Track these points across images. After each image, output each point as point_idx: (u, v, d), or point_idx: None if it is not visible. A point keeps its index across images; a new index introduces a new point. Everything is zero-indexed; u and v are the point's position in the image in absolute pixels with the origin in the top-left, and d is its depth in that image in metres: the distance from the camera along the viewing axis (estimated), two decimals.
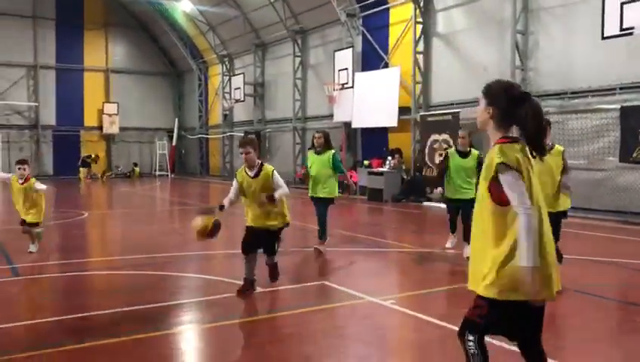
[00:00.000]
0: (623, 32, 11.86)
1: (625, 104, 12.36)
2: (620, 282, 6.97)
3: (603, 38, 12.18)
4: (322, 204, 8.35)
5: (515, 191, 2.63)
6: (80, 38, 31.85)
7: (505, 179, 2.65)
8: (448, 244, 8.58)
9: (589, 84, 13.26)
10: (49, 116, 31.07)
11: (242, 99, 27.12)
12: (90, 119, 32.29)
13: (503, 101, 2.81)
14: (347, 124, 20.77)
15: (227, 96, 29.15)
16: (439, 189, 7.96)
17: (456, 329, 2.86)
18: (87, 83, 32.23)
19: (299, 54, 24.02)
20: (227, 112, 29.56)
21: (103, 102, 32.33)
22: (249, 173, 5.86)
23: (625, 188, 12.52)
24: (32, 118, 30.76)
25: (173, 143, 34.10)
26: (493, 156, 2.72)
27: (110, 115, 32.22)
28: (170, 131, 34.35)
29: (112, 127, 32.32)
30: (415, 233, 11.80)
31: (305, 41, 23.86)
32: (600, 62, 12.95)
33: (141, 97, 33.56)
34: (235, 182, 5.96)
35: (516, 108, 2.77)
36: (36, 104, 30.58)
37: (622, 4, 11.71)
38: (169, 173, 32.99)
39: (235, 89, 27.73)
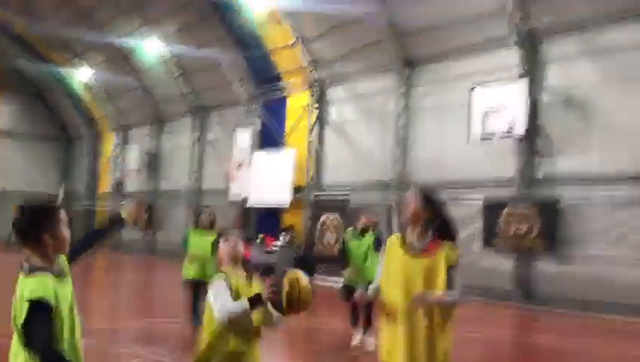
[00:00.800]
0: (487, 137, 14.00)
1: (487, 196, 14.36)
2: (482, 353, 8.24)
3: (469, 140, 14.25)
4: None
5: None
6: None
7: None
8: (356, 342, 7.81)
9: (458, 178, 15.20)
10: None
11: (136, 169, 27.23)
12: None
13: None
14: (243, 201, 21.64)
15: (120, 165, 29.08)
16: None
17: None
18: None
19: (198, 130, 24.86)
20: (119, 182, 29.38)
21: None
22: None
23: (487, 271, 14.30)
24: None
25: None
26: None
27: None
28: (55, 198, 33.28)
29: None
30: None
31: (205, 117, 24.81)
32: (467, 160, 14.98)
33: (26, 161, 32.46)
34: None
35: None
36: None
37: (485, 113, 13.90)
38: None
39: (130, 160, 27.80)
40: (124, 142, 29.50)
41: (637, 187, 12.16)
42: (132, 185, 28.68)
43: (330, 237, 17.96)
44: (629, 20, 12.49)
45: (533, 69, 13.89)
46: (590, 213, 12.88)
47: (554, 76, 13.69)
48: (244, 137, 22.00)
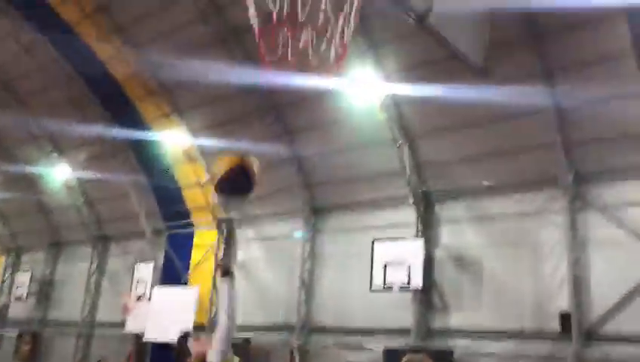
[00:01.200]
0: (386, 288, 14.82)
1: (387, 345, 14.89)
2: None
3: (371, 290, 15.00)
4: None
5: None
6: None
7: None
8: None
9: (359, 324, 15.72)
10: None
11: (25, 296, 25.59)
12: None
13: None
14: (138, 335, 20.80)
15: (5, 291, 27.22)
16: None
17: None
18: None
19: (97, 259, 24.12)
20: (1, 308, 27.32)
21: None
22: None
23: None
24: None
25: None
26: None
27: None
28: None
29: None
30: None
31: (105, 247, 24.22)
32: (369, 308, 15.62)
33: None
34: None
35: None
36: None
37: (385, 266, 14.82)
38: None
39: (18, 287, 26.16)
40: (15, 265, 27.86)
41: (521, 341, 13.22)
42: (17, 311, 26.74)
43: None
44: (510, 192, 14.21)
45: (428, 228, 15.21)
46: None
47: (446, 236, 15.04)
48: (146, 270, 21.61)
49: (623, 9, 11.06)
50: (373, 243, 15.37)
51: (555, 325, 12.77)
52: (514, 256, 13.93)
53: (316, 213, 17.76)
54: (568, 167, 13.27)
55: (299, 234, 16.42)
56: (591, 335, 12.49)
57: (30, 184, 25.21)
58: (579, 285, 12.75)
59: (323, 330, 16.43)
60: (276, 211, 18.50)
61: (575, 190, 13.24)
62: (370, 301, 15.54)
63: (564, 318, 12.67)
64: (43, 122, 21.91)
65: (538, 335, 13.11)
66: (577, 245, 12.99)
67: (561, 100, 12.76)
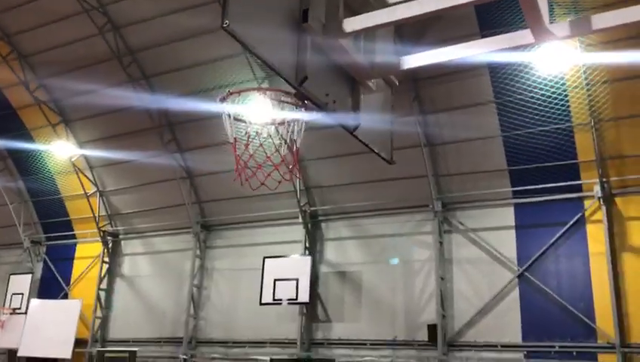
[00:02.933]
0: (275, 301, 15.80)
1: (274, 356, 15.86)
2: None
3: (260, 303, 15.90)
4: None
5: None
6: None
7: None
8: None
9: (247, 337, 16.55)
10: None
11: None
12: None
13: None
14: (13, 351, 20.01)
15: None
16: None
17: None
18: None
19: None
20: None
21: None
22: None
23: None
24: None
25: None
26: None
27: None
28: None
29: None
30: None
31: None
32: (257, 320, 16.50)
33: None
34: None
35: None
36: None
37: (275, 280, 15.80)
38: None
39: None
40: None
41: (394, 349, 14.80)
42: None
43: None
44: (387, 214, 15.83)
45: (314, 245, 16.44)
46: None
47: (331, 253, 16.37)
48: (22, 282, 20.80)
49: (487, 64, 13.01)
50: (264, 259, 16.28)
51: (424, 334, 14.49)
52: (389, 272, 15.53)
53: (207, 228, 18.33)
54: (438, 194, 15.11)
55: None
56: (453, 344, 14.34)
57: None
58: (444, 299, 14.58)
59: (211, 342, 17.07)
60: (166, 225, 18.81)
61: (443, 215, 15.10)
62: (258, 314, 16.42)
63: (431, 328, 14.43)
64: None
65: (409, 343, 14.77)
66: (444, 263, 14.84)
67: (433, 136, 14.65)
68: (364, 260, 15.95)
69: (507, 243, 14.37)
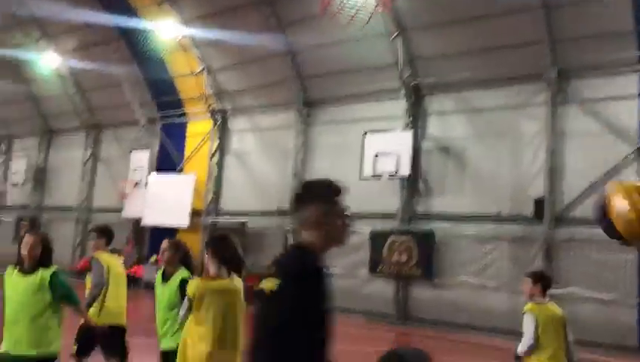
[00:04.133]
0: (376, 176, 15.87)
1: (373, 228, 16.17)
2: None
3: (361, 178, 16.04)
4: None
5: None
6: None
7: None
8: None
9: (349, 210, 16.84)
10: None
11: (21, 183, 26.38)
12: None
13: None
14: (136, 220, 21.91)
15: (0, 177, 27.95)
16: None
17: None
18: None
19: (91, 146, 24.74)
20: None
21: None
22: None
23: (372, 295, 16.07)
24: None
25: None
26: None
27: None
28: None
29: None
30: None
31: (99, 135, 24.77)
32: (358, 194, 16.70)
33: None
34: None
35: None
36: None
37: (375, 155, 15.78)
38: None
39: (14, 173, 26.86)
40: (8, 153, 28.37)
41: (499, 225, 14.54)
42: (13, 198, 27.62)
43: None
44: (493, 87, 14.98)
45: (417, 120, 16.04)
46: (460, 246, 15.10)
47: (434, 128, 15.92)
48: (141, 158, 22.35)
49: None
50: (364, 135, 16.21)
51: (530, 209, 14.03)
52: (496, 146, 14.93)
53: (308, 105, 18.40)
54: (552, 62, 13.98)
55: None
56: (560, 219, 13.81)
57: (18, 71, 25.20)
58: (553, 173, 13.89)
59: None
60: (271, 102, 19.10)
61: (557, 85, 14.04)
62: (359, 188, 16.60)
63: (538, 203, 13.92)
64: (29, 5, 21.63)
65: (513, 218, 14.40)
66: (555, 136, 13.99)
67: None
68: (469, 134, 15.40)
69: (627, 114, 13.19)
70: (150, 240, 22.26)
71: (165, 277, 5.37)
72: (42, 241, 4.70)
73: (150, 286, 18.61)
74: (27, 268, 4.66)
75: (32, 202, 26.49)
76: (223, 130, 20.52)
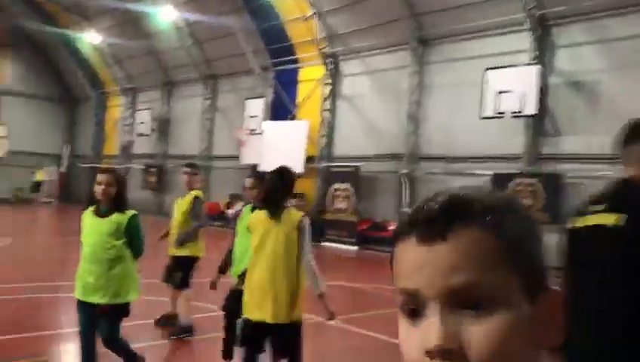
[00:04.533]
0: (498, 115, 15.00)
1: (496, 171, 15.42)
2: None
3: (481, 117, 15.23)
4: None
5: None
6: None
7: None
8: None
9: (468, 152, 16.21)
10: None
11: (147, 133, 27.96)
12: None
13: None
14: (253, 167, 22.49)
15: (128, 128, 29.79)
16: None
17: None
18: None
19: (208, 96, 25.54)
20: (127, 144, 30.05)
21: None
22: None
23: None
24: None
25: (62, 170, 33.58)
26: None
27: None
28: (59, 157, 33.84)
29: None
30: (332, 268, 13.79)
31: (216, 85, 25.48)
32: (478, 135, 15.97)
33: (32, 121, 32.88)
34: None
35: None
36: None
37: (497, 93, 14.86)
38: (52, 200, 32.19)
39: (140, 123, 28.50)
40: (133, 105, 30.09)
41: None
42: (141, 147, 29.36)
43: (340, 204, 19.00)
44: (631, 12, 13.42)
45: (543, 54, 14.83)
46: (590, 189, 14.00)
47: (563, 61, 14.65)
48: (256, 106, 22.76)
49: None
50: (485, 71, 15.30)
51: None
52: (633, 80, 13.51)
53: (424, 43, 17.64)
54: None
55: None
56: None
57: (139, 27, 26.32)
58: None
59: (431, 158, 17.13)
60: (383, 43, 18.52)
61: None
62: (480, 129, 15.83)
63: None
64: None
65: None
66: None
67: None
68: (603, 67, 14.01)
69: None
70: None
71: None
72: (117, 180, 4.37)
73: None
74: (102, 209, 4.33)
75: (157, 151, 28.02)
76: (334, 75, 20.28)
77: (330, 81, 20.26)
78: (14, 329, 6.27)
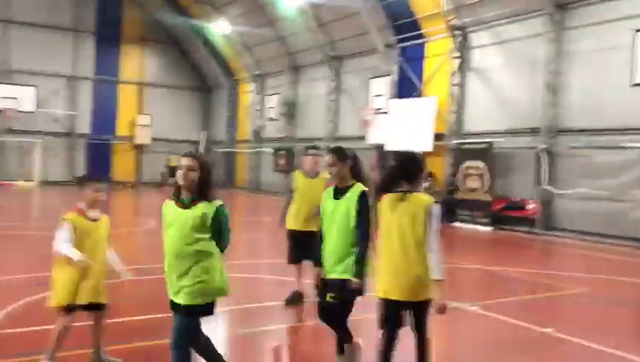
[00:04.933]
0: None
1: None
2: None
3: (633, 84, 13.78)
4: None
5: None
6: (117, 51, 33.43)
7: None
8: None
9: (616, 123, 14.79)
10: (84, 125, 32.57)
11: (276, 117, 28.73)
12: (122, 129, 33.76)
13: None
14: (379, 147, 22.29)
15: (258, 113, 30.80)
16: None
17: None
18: (122, 95, 33.76)
19: (333, 78, 25.62)
20: (258, 129, 31.10)
21: (137, 114, 33.81)
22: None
23: None
24: (68, 126, 32.21)
25: None
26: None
27: (143, 126, 33.69)
28: (197, 143, 35.76)
29: (143, 138, 33.76)
30: (467, 250, 13.29)
31: (340, 66, 25.48)
32: (627, 104, 14.52)
33: (172, 110, 35.05)
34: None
35: None
36: (73, 113, 32.05)
37: None
38: None
39: (269, 108, 29.36)
40: (261, 91, 31.02)
41: None
42: (270, 131, 30.25)
43: (472, 183, 18.24)
44: None
45: None
46: None
47: None
48: (380, 85, 22.44)
49: None
50: (636, 33, 13.82)
51: None
52: None
53: (561, 8, 16.28)
54: None
55: None
56: None
57: (265, 14, 26.93)
58: None
59: (572, 131, 15.85)
60: (515, 10, 17.37)
61: None
62: (629, 98, 14.39)
63: None
64: None
65: None
66: None
67: None
68: None
69: None
70: None
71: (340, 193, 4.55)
72: (200, 166, 3.75)
73: None
74: (185, 199, 3.79)
75: (285, 134, 28.71)
76: (463, 47, 19.39)
77: (458, 54, 19.41)
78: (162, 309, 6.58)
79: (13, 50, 30.26)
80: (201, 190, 3.74)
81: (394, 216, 4.03)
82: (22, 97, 29.05)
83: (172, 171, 30.61)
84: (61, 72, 31.67)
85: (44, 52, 30.78)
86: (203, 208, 3.72)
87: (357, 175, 4.57)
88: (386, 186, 4.12)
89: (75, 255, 4.22)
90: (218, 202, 3.78)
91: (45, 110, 30.94)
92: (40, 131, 30.69)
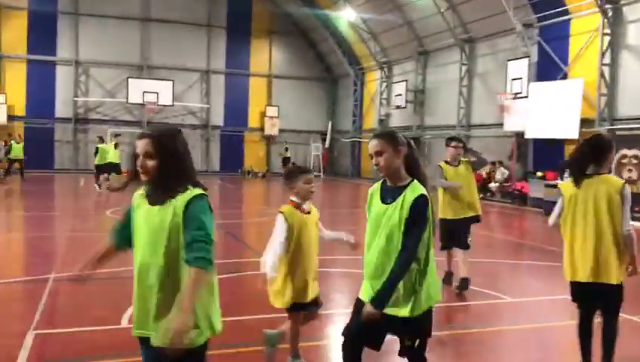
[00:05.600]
0: None
1: None
2: None
3: None
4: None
5: None
6: (247, 45, 34.30)
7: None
8: None
9: None
10: (218, 117, 33.83)
11: (403, 105, 27.94)
12: (253, 121, 34.69)
13: None
14: (518, 134, 20.81)
15: (384, 102, 30.13)
16: None
17: None
18: (252, 87, 34.65)
19: (465, 62, 24.34)
20: (384, 118, 30.49)
21: (265, 105, 34.57)
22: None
23: None
24: (203, 118, 33.64)
25: (326, 145, 35.55)
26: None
27: (271, 118, 34.37)
28: (323, 134, 35.88)
29: (272, 129, 34.45)
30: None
31: (473, 49, 24.15)
32: None
33: (298, 101, 35.42)
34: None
35: None
36: (207, 106, 33.40)
37: None
38: (320, 174, 34.30)
39: (396, 95, 28.61)
40: (388, 78, 30.32)
41: None
42: (397, 120, 29.51)
43: (629, 173, 16.36)
44: None
45: None
46: None
47: None
48: (519, 67, 20.86)
49: None
50: None
51: None
52: None
53: None
54: None
55: None
56: None
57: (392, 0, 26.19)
58: None
59: None
60: None
61: None
62: None
63: None
64: None
65: None
66: None
67: None
68: None
69: None
70: (534, 154, 20.98)
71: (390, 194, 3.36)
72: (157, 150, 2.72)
73: (537, 203, 17.50)
74: (152, 194, 2.79)
75: (413, 123, 27.82)
76: (615, 23, 17.43)
77: (609, 30, 17.49)
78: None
79: (152, 47, 32.08)
80: (169, 182, 2.74)
81: (586, 197, 4.17)
82: (161, 91, 30.75)
83: (285, 162, 31.21)
84: (196, 66, 33.08)
85: (180, 47, 32.31)
86: (176, 202, 2.69)
87: (413, 169, 3.30)
88: (579, 169, 4.22)
89: (271, 271, 4.18)
90: (195, 191, 2.72)
91: (182, 103, 32.51)
92: (178, 124, 32.23)
